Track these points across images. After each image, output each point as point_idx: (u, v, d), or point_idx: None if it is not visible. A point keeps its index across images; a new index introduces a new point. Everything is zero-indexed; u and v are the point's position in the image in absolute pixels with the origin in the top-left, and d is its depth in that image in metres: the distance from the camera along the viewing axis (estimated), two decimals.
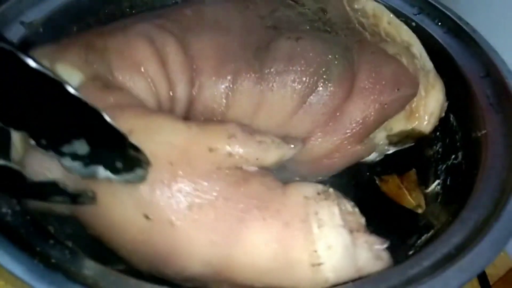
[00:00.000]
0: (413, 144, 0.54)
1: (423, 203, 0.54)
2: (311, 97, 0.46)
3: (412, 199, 0.54)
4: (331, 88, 0.46)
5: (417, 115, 0.51)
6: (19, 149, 0.40)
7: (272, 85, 0.45)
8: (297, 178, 0.50)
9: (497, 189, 0.40)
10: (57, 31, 0.54)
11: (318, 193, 0.40)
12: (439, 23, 0.58)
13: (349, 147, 0.47)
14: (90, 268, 0.34)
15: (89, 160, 0.34)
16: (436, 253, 0.36)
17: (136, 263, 0.39)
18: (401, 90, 0.47)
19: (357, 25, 0.54)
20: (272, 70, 0.45)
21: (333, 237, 0.37)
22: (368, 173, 0.57)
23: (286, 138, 0.43)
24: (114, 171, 0.34)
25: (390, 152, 0.54)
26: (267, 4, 0.52)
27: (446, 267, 0.34)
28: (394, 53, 0.50)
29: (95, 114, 0.31)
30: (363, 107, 0.46)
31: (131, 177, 0.35)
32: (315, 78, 0.45)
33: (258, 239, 0.36)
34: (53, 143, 0.33)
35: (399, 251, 0.42)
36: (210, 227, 0.36)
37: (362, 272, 0.38)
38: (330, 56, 0.46)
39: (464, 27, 0.55)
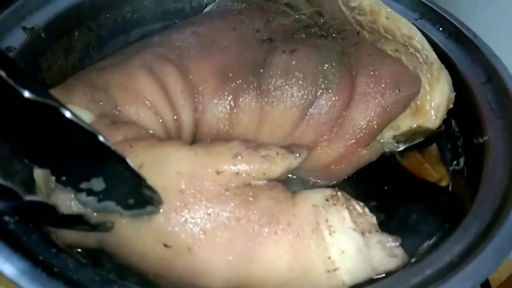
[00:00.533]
0: (422, 139, 0.54)
1: (446, 176, 0.54)
2: (312, 108, 0.46)
3: (434, 173, 0.55)
4: (331, 97, 0.46)
5: (423, 111, 0.51)
6: (43, 189, 0.42)
7: (272, 101, 0.46)
8: (311, 179, 0.51)
9: (499, 196, 0.41)
10: (58, 36, 0.55)
11: (327, 199, 0.41)
12: (441, 28, 0.58)
13: (355, 152, 0.48)
14: (93, 277, 0.35)
15: (103, 196, 0.36)
16: (438, 261, 0.37)
17: (164, 285, 0.41)
18: (402, 90, 0.48)
19: (354, 24, 0.54)
20: (270, 86, 0.46)
21: (345, 241, 0.39)
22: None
23: (290, 148, 0.44)
24: (126, 207, 0.37)
25: (401, 149, 0.54)
26: (262, 15, 0.53)
27: (449, 276, 0.35)
28: (393, 50, 0.50)
29: (120, 160, 0.34)
30: (365, 113, 0.47)
31: (141, 212, 0.37)
32: (314, 89, 0.46)
33: (273, 253, 0.38)
34: (73, 180, 0.36)
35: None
36: (225, 248, 0.38)
37: (379, 271, 0.40)
38: (326, 65, 0.47)
39: (466, 32, 0.55)
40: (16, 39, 0.50)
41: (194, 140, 0.48)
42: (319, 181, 0.52)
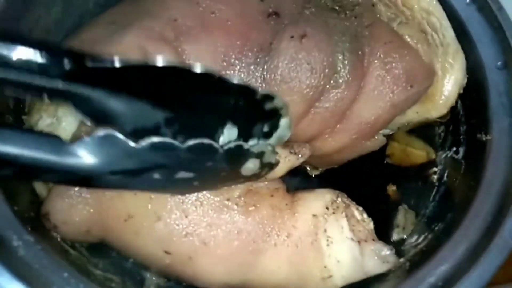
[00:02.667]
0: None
1: (429, 149, 0.55)
2: (319, 102, 0.44)
3: (420, 151, 0.56)
4: (340, 91, 0.44)
5: (432, 98, 0.48)
6: (42, 189, 0.42)
7: (277, 93, 0.42)
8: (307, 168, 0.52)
9: (491, 213, 0.40)
10: None
11: (327, 208, 0.42)
12: None
13: (358, 144, 0.47)
14: None
15: (242, 140, 0.35)
16: (424, 283, 0.38)
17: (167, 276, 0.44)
18: (415, 87, 0.45)
19: None
20: (275, 76, 0.43)
21: (342, 251, 0.41)
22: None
23: (293, 147, 0.43)
24: (267, 135, 0.36)
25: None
26: None
27: None
28: (411, 36, 0.46)
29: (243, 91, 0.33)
30: (373, 108, 0.45)
31: (281, 131, 0.37)
32: (323, 82, 0.43)
33: (272, 264, 0.40)
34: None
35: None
36: (225, 259, 0.39)
37: (370, 274, 0.42)
38: (337, 55, 0.43)
39: (490, 1, 0.48)
40: None
41: None
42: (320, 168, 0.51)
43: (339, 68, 0.43)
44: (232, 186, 0.39)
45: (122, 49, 0.41)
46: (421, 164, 0.56)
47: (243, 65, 0.43)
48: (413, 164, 0.56)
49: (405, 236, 0.51)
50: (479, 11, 0.51)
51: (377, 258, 0.42)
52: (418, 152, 0.56)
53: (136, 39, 0.41)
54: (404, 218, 0.53)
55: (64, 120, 0.40)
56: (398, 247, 0.46)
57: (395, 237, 0.52)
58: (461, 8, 0.51)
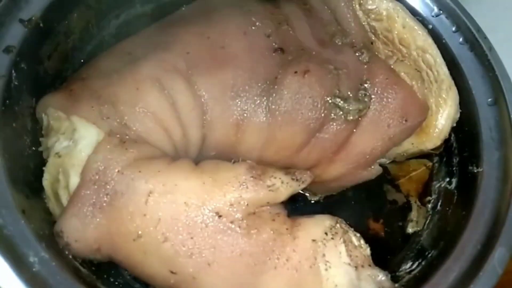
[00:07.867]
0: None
1: (424, 161, 0.58)
2: (319, 133, 0.47)
3: (420, 169, 0.59)
4: (339, 123, 0.47)
5: (427, 130, 0.51)
6: (51, 198, 0.44)
7: (280, 123, 0.46)
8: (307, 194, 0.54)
9: (481, 242, 0.43)
10: (57, 22, 0.52)
11: (326, 233, 0.44)
12: (457, 31, 0.54)
13: (355, 173, 0.50)
14: None
15: None
16: None
17: None
18: (409, 121, 0.48)
19: (369, 32, 0.51)
20: (279, 108, 0.46)
21: (339, 276, 0.42)
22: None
23: (295, 175, 0.46)
24: None
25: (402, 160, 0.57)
26: (273, 16, 0.50)
27: None
28: (406, 73, 0.49)
29: None
30: (370, 140, 0.48)
31: None
32: (323, 115, 0.46)
33: (272, 286, 0.42)
34: None
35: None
36: (228, 280, 0.41)
37: None
38: (337, 91, 0.46)
39: (481, 41, 0.52)
40: (14, 35, 0.46)
41: (200, 153, 0.48)
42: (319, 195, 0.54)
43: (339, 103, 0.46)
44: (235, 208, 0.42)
45: (138, 78, 0.45)
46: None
47: (250, 96, 0.46)
48: (424, 181, 0.59)
49: (418, 229, 0.55)
50: (471, 51, 0.55)
51: (373, 283, 0.43)
52: (419, 171, 0.59)
53: (151, 70, 0.45)
54: (417, 213, 0.57)
55: (80, 143, 0.43)
56: (393, 273, 0.48)
57: (410, 230, 0.56)
58: (454, 47, 0.55)
